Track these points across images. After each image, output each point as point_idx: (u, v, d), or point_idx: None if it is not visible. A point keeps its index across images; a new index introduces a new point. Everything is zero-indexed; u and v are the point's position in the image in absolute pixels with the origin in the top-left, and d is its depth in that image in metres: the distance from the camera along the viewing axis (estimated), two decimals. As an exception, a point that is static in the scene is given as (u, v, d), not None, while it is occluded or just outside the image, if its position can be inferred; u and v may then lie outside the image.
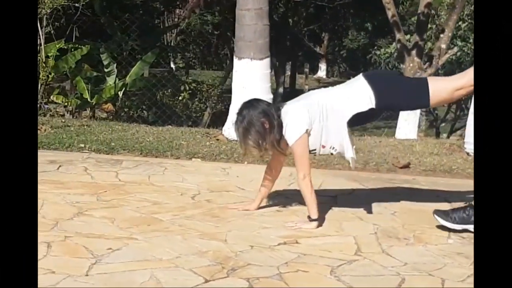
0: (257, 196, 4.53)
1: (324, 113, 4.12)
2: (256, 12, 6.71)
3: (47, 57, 9.64)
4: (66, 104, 10.83)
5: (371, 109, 4.13)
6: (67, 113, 11.00)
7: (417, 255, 3.72)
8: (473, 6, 13.02)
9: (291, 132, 4.10)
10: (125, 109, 12.44)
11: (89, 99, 10.96)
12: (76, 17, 10.31)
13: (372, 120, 4.49)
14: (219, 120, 11.93)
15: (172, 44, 22.49)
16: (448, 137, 13.29)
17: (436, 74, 10.99)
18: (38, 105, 9.33)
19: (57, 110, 10.67)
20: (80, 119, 8.89)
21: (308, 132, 4.11)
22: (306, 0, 22.01)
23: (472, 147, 5.96)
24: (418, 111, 10.28)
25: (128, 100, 12.61)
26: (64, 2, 9.38)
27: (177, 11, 22.53)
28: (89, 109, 11.24)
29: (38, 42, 9.31)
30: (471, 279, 3.28)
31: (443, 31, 11.25)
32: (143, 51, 12.61)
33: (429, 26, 12.90)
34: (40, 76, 9.12)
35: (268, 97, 6.48)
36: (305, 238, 3.95)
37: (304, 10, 23.17)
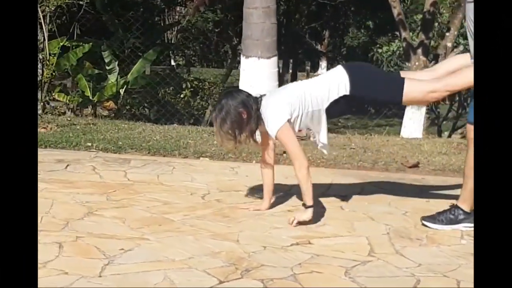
0: (264, 195, 4.52)
1: (303, 102, 4.17)
2: (264, 10, 6.68)
3: (50, 55, 9.61)
4: (67, 102, 10.80)
5: (346, 99, 4.18)
6: (69, 111, 10.98)
7: (431, 256, 3.70)
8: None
9: (272, 125, 4.13)
10: (127, 107, 12.40)
11: (90, 97, 10.93)
12: (79, 14, 10.27)
13: (347, 113, 4.59)
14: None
15: (173, 41, 22.44)
16: (449, 135, 13.26)
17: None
18: (43, 104, 9.29)
19: (58, 108, 10.63)
20: (85, 118, 8.86)
21: (290, 122, 4.15)
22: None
23: None
24: (423, 110, 10.27)
25: (129, 98, 12.57)
26: (68, 0, 9.35)
27: (178, 8, 22.48)
28: (90, 106, 11.21)
29: (42, 40, 9.27)
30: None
31: (448, 29, 11.23)
32: (144, 48, 12.57)
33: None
34: (44, 74, 9.09)
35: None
36: (317, 239, 3.93)
37: (306, 8, 23.13)
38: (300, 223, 4.14)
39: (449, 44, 10.99)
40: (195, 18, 19.99)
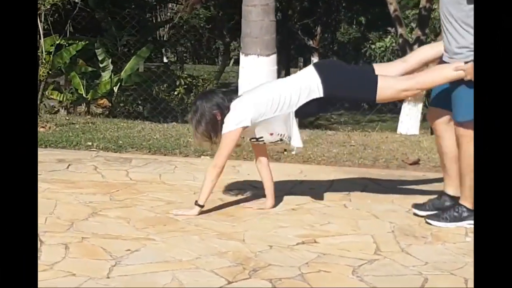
0: (267, 194, 4.53)
1: (274, 105, 4.22)
2: (263, 8, 6.68)
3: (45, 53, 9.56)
4: (62, 100, 10.75)
5: (318, 101, 4.21)
6: (62, 108, 10.93)
7: (437, 254, 3.71)
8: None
9: (228, 123, 4.22)
10: (121, 104, 12.37)
11: (84, 95, 10.89)
12: (75, 12, 10.22)
13: (317, 114, 4.63)
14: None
15: (165, 38, 22.38)
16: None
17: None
18: (41, 103, 9.24)
19: (56, 106, 10.59)
20: (83, 117, 8.83)
21: (247, 128, 4.23)
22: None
23: None
24: (420, 106, 10.29)
25: (123, 96, 12.53)
26: (64, -2, 9.32)
27: (170, 5, 22.41)
28: (84, 104, 11.16)
29: (38, 38, 9.22)
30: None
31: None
32: (138, 46, 12.53)
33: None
34: (40, 72, 9.04)
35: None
36: (323, 238, 3.93)
37: (298, 4, 23.14)
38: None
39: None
40: (187, 14, 19.94)
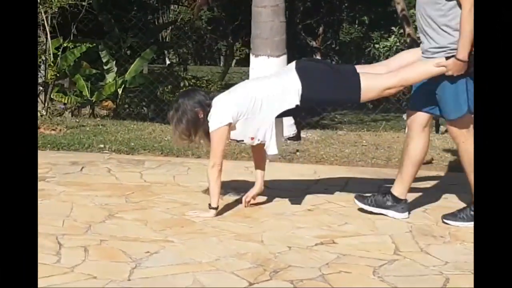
0: (256, 178, 4.55)
1: (256, 106, 4.21)
2: (273, 9, 6.66)
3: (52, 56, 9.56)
4: (66, 102, 10.74)
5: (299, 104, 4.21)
6: (67, 111, 10.91)
7: (456, 254, 3.71)
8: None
9: (213, 121, 4.21)
10: (125, 106, 12.36)
11: (89, 97, 10.89)
12: (81, 15, 10.20)
13: (298, 116, 4.54)
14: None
15: (167, 40, 22.38)
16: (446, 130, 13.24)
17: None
18: (47, 105, 9.23)
19: (67, 109, 10.59)
20: (93, 119, 8.81)
21: (231, 125, 4.22)
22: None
23: None
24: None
25: (127, 97, 12.53)
26: (71, 1, 9.29)
27: (172, 7, 22.40)
28: (88, 106, 11.16)
29: (45, 41, 9.22)
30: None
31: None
32: (142, 47, 12.52)
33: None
34: (48, 75, 9.05)
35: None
36: (340, 238, 3.93)
37: (301, 4, 23.11)
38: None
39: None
40: (190, 16, 19.94)
